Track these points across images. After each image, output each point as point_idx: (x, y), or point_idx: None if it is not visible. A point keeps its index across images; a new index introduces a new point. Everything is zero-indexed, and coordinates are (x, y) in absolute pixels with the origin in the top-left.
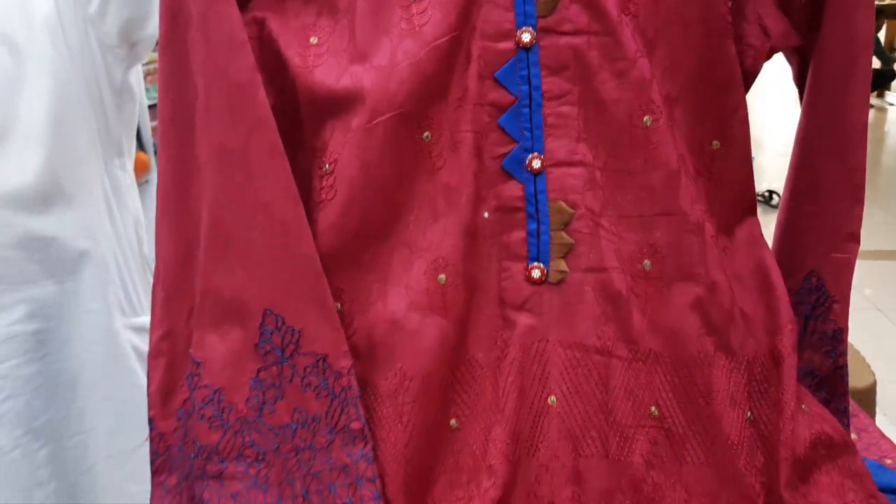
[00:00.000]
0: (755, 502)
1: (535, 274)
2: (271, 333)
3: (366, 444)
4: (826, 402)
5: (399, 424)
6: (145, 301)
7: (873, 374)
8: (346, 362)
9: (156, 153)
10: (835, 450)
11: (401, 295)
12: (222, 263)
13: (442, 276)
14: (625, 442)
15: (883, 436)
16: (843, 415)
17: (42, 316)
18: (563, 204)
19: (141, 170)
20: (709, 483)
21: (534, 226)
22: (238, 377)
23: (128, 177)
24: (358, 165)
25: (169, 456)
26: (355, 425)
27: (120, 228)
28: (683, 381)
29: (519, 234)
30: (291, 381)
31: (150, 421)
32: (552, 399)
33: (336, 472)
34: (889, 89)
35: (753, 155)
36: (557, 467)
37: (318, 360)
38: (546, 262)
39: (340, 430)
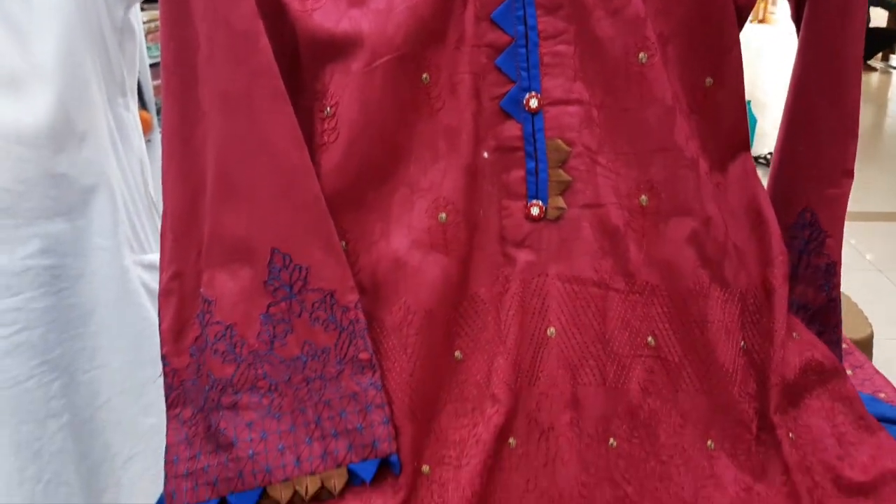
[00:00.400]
0: (748, 427)
1: (534, 211)
2: (279, 271)
3: (374, 373)
4: (819, 335)
5: (404, 355)
6: (153, 239)
7: (870, 326)
8: (352, 297)
9: (158, 112)
10: (825, 375)
11: (403, 234)
12: (229, 205)
13: (443, 215)
14: (622, 370)
15: (877, 372)
16: (835, 346)
17: (56, 251)
18: (560, 142)
19: (144, 128)
20: (703, 409)
21: (532, 164)
22: (249, 313)
23: (131, 116)
24: (358, 108)
25: (183, 390)
26: (363, 356)
27: (125, 167)
28: (679, 312)
29: (518, 173)
30: (300, 315)
31: (164, 357)
32: (551, 331)
33: (346, 399)
34: (894, 52)
35: (757, 118)
36: (556, 394)
37: (325, 296)
38: (544, 200)
39: (349, 361)
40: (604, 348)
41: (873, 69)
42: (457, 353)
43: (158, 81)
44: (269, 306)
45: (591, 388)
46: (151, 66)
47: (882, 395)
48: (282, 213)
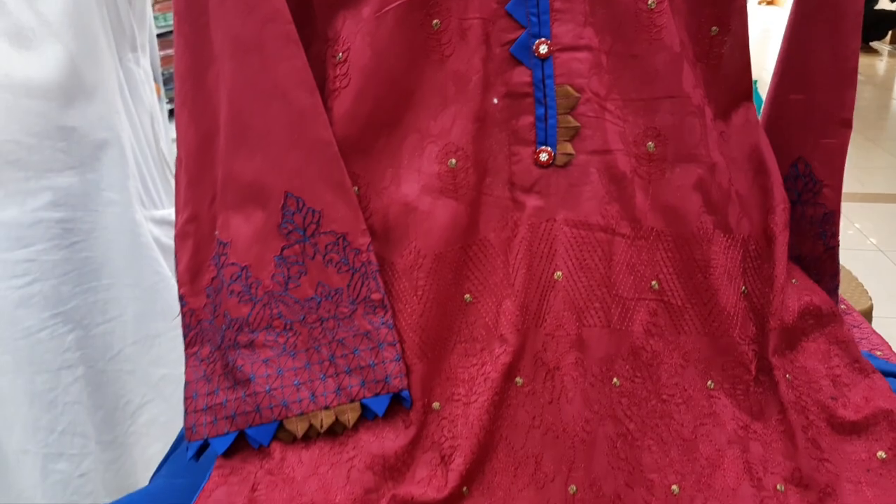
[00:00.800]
0: (748, 368)
1: (543, 157)
2: (293, 214)
3: (385, 312)
4: (817, 283)
5: (415, 297)
6: (164, 195)
7: (870, 299)
8: (364, 239)
9: (166, 83)
10: (822, 319)
11: (413, 179)
12: (242, 149)
13: (452, 161)
14: (626, 313)
15: (874, 332)
16: (833, 293)
17: (66, 205)
18: (569, 88)
19: None
20: (705, 351)
21: (541, 110)
22: (263, 255)
23: (141, 71)
24: (370, 54)
25: (200, 329)
26: (376, 296)
27: (136, 121)
28: (683, 256)
29: (527, 119)
30: (314, 258)
31: (181, 298)
32: (558, 274)
33: (359, 338)
34: None
35: (761, 95)
36: (562, 335)
37: (338, 239)
38: (553, 146)
39: (362, 301)
40: (609, 291)
41: (877, 52)
42: (466, 296)
43: (166, 52)
44: (283, 249)
45: (595, 329)
46: (158, 35)
47: (879, 353)
48: (294, 158)
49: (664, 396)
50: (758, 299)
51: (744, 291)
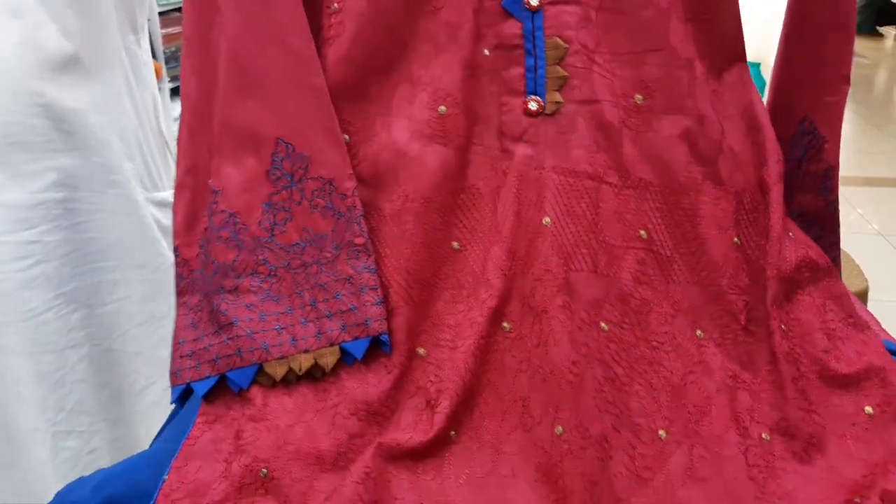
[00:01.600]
0: (737, 318)
1: (532, 106)
2: (282, 160)
3: (368, 257)
4: (818, 239)
5: (402, 241)
6: (165, 176)
7: (866, 280)
8: (350, 184)
9: (167, 62)
10: (818, 273)
11: (404, 126)
12: (238, 94)
13: (442, 108)
14: (613, 260)
15: (865, 309)
16: (833, 247)
17: (68, 185)
18: (558, 40)
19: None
20: (694, 300)
21: (531, 61)
22: (251, 201)
23: (144, 53)
24: (366, 2)
25: (192, 279)
26: (359, 240)
27: (139, 102)
28: (671, 206)
29: (517, 70)
30: (300, 203)
31: (176, 249)
32: (546, 220)
33: (341, 282)
34: None
35: (765, 78)
36: (550, 279)
37: (324, 184)
38: (542, 95)
39: (345, 246)
40: (596, 238)
41: (882, 37)
42: (454, 244)
43: (167, 30)
44: (271, 195)
45: (583, 273)
46: (160, 14)
47: None
48: (288, 102)
49: (653, 343)
50: (752, 251)
51: (736, 242)
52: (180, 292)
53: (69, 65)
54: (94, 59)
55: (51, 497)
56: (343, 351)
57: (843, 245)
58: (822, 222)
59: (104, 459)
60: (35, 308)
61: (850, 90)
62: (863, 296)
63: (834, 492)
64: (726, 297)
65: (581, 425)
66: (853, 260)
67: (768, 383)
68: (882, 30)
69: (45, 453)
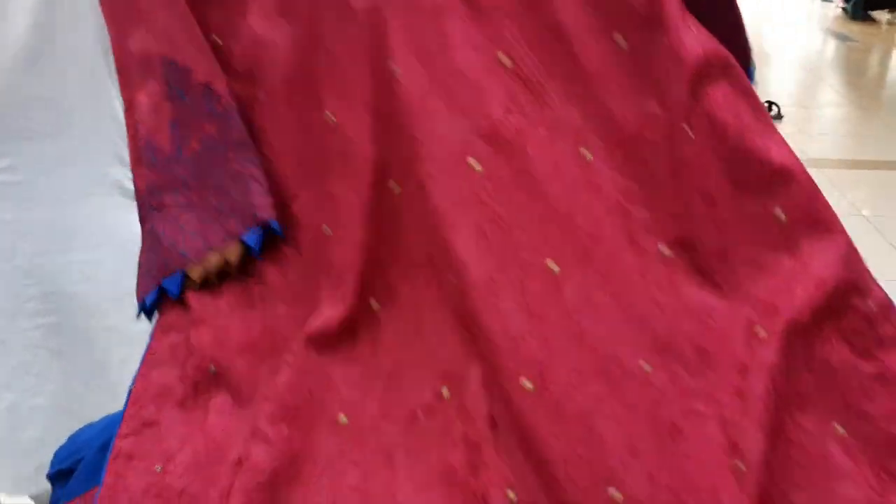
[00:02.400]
0: (623, 130)
1: None
2: (173, 78)
3: (248, 149)
4: (720, 22)
5: (279, 124)
6: None
7: None
8: (221, 84)
9: None
10: (727, 68)
11: (256, 12)
12: (131, 27)
13: None
14: (477, 93)
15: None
16: (737, 31)
17: (28, 168)
18: None
19: None
20: (574, 119)
21: None
22: (160, 123)
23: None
24: None
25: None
26: (238, 135)
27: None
28: (531, 24)
29: None
30: (193, 112)
31: (134, 182)
32: (397, 69)
33: (233, 179)
34: None
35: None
36: (415, 127)
37: (204, 89)
38: None
39: (231, 144)
40: (451, 74)
41: (876, 21)
42: (329, 115)
43: None
44: (173, 113)
45: (444, 114)
46: None
47: None
48: (167, 25)
49: (533, 173)
50: (640, 53)
51: (618, 43)
52: (141, 222)
53: (38, 53)
54: (67, 46)
55: None
56: (245, 244)
57: None
58: (715, 14)
59: (54, 419)
60: None
61: (841, 74)
62: None
63: (736, 312)
64: (610, 110)
65: (463, 269)
66: None
67: (670, 191)
68: (874, 14)
69: None
